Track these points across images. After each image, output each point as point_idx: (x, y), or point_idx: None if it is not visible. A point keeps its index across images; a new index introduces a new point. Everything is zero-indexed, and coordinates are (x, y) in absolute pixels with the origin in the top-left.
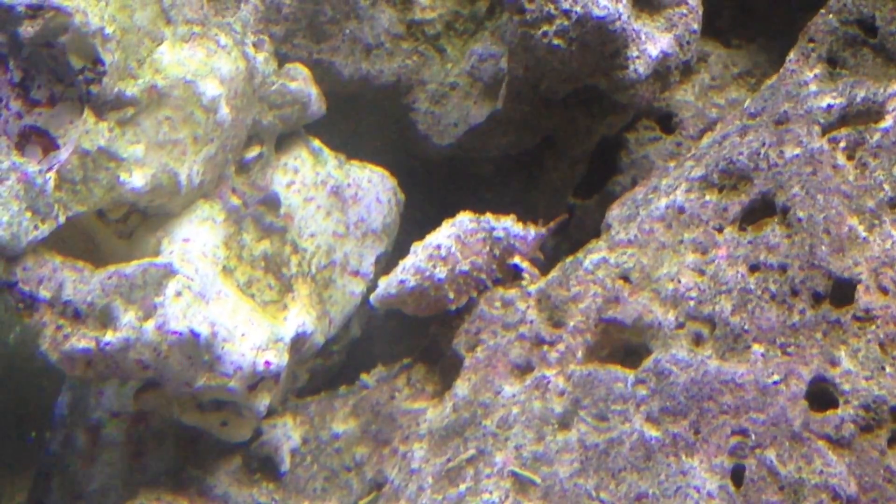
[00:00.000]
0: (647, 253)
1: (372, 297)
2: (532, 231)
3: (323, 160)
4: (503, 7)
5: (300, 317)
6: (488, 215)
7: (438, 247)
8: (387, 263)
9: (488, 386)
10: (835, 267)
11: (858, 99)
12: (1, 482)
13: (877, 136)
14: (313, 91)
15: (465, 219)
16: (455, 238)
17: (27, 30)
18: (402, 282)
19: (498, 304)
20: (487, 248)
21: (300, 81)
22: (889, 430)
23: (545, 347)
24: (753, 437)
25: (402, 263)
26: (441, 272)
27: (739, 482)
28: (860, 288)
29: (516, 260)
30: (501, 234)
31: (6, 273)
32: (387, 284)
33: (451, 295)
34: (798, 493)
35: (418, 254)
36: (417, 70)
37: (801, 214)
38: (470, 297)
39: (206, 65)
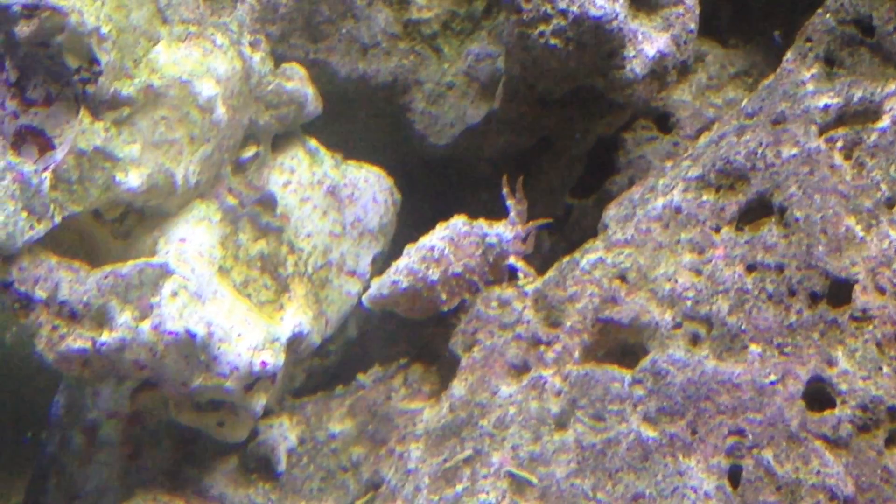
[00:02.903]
0: (644, 253)
1: (364, 298)
2: (520, 229)
3: (319, 160)
4: (500, 7)
5: (296, 317)
6: (481, 221)
7: (432, 248)
8: (383, 263)
9: (485, 386)
10: (832, 267)
11: (855, 99)
12: None
13: (874, 136)
14: (310, 91)
15: (458, 222)
16: (448, 240)
17: (23, 29)
18: (394, 283)
19: (494, 304)
20: (480, 251)
21: (297, 81)
22: (886, 430)
23: (542, 347)
24: (750, 437)
25: (394, 265)
26: (434, 274)
27: (736, 482)
28: (857, 288)
29: (511, 260)
30: (494, 240)
31: (2, 273)
32: (379, 285)
33: (444, 296)
34: (795, 493)
35: (411, 255)
36: (414, 70)
37: (798, 214)
38: (462, 299)
39: (202, 64)
